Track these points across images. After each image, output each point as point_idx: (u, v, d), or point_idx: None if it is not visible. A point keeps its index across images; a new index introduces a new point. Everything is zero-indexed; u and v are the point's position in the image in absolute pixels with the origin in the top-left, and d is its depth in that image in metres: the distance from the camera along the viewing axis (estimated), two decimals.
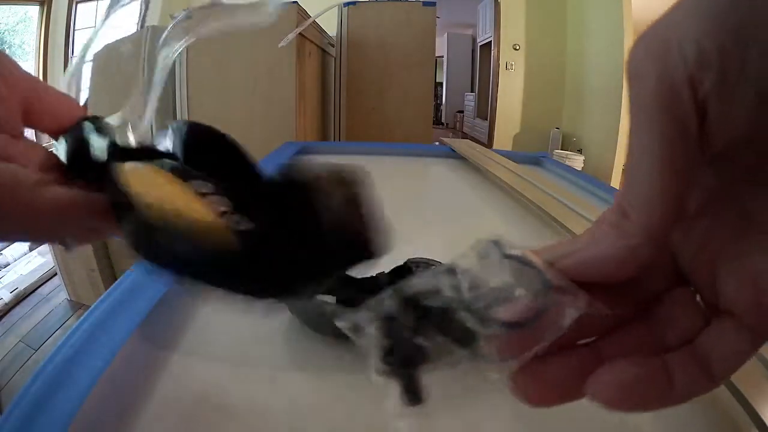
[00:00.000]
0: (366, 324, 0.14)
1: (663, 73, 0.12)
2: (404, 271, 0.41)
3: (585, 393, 0.14)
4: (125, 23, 4.70)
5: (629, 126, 0.13)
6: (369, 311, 0.14)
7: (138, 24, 4.70)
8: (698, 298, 0.15)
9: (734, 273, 0.13)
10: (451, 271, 0.14)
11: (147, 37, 1.78)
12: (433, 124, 2.41)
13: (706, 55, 0.12)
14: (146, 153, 0.18)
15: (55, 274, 2.20)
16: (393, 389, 0.13)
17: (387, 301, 0.14)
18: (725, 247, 0.14)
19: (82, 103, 0.20)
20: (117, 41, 2.07)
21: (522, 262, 0.14)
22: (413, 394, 0.13)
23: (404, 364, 0.13)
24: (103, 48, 2.02)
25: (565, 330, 0.13)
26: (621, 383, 0.14)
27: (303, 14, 1.63)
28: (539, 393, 0.14)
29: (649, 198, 0.13)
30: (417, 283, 0.14)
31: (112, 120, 0.19)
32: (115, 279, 0.41)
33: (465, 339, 0.13)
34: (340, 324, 0.14)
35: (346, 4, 2.03)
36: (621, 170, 3.63)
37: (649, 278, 0.15)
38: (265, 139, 1.58)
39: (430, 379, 0.14)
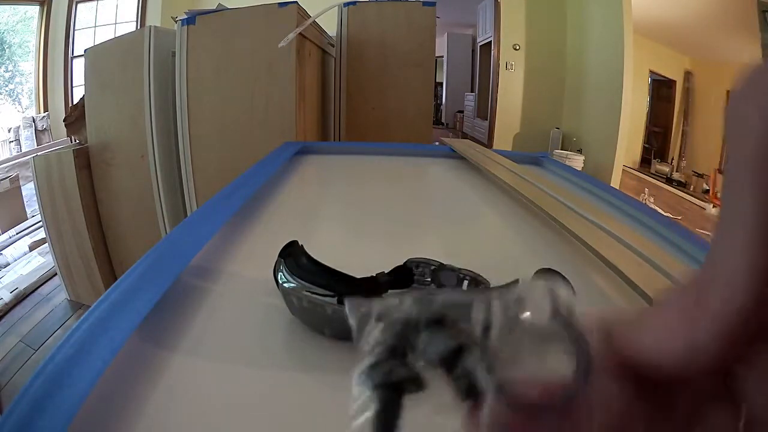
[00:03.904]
0: (372, 318, 0.12)
1: None
2: (404, 270, 0.42)
3: None
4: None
5: (723, 183, 0.11)
6: (385, 307, 0.12)
7: (137, 23, 4.70)
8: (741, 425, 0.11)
9: None
10: (487, 302, 0.12)
11: (150, 37, 1.77)
12: (433, 124, 2.40)
13: None
14: None
15: (55, 274, 2.21)
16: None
17: (406, 306, 0.12)
18: None
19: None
20: (112, 40, 2.07)
21: (570, 329, 0.11)
22: (383, 425, 0.11)
23: (389, 385, 0.11)
24: (98, 46, 2.02)
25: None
26: None
27: (303, 14, 1.63)
28: None
29: (732, 277, 0.10)
30: (447, 300, 0.12)
31: None
32: (115, 279, 0.41)
33: (466, 388, 0.11)
34: (349, 307, 0.12)
35: (346, 4, 2.04)
36: (621, 170, 3.64)
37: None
38: (265, 139, 1.58)
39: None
